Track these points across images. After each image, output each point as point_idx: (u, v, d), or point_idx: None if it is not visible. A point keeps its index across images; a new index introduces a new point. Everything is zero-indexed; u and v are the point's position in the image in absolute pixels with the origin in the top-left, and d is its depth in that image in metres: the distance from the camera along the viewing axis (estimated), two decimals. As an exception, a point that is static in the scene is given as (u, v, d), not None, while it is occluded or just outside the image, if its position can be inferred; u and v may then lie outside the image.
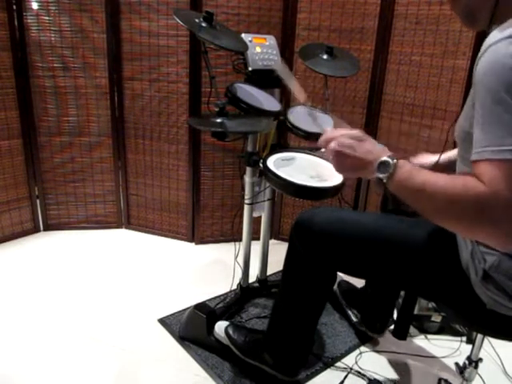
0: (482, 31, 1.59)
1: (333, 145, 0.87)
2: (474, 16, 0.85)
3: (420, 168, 0.79)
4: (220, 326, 1.49)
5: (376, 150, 0.84)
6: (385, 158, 0.81)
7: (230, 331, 1.44)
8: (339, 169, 0.89)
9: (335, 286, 1.80)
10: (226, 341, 1.44)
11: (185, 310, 1.71)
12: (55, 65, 2.13)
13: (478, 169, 0.70)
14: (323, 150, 0.91)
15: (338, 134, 0.88)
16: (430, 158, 1.18)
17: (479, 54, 0.73)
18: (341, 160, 0.87)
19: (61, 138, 2.25)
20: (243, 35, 1.62)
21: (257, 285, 1.86)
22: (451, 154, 1.15)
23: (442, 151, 1.11)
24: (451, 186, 0.72)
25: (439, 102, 1.88)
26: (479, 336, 1.15)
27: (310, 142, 1.56)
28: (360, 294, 1.69)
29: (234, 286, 1.81)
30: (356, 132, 0.88)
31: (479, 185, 0.69)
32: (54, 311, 1.71)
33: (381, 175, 0.81)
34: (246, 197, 1.63)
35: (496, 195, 0.67)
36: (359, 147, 0.85)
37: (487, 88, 0.70)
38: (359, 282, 1.74)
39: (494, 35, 0.71)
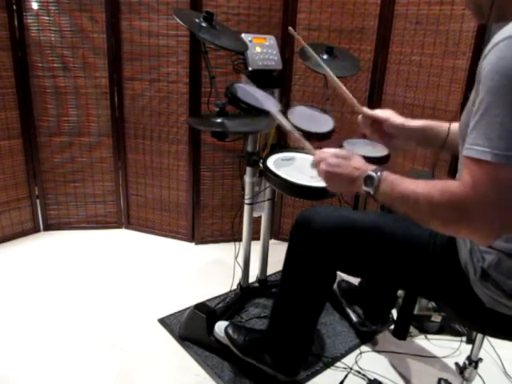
0: (481, 31, 1.59)
1: (322, 166, 0.93)
2: (481, 11, 0.85)
3: (402, 178, 0.83)
4: (220, 326, 1.49)
5: (362, 166, 0.90)
6: (369, 173, 0.86)
7: (230, 331, 1.44)
8: (330, 186, 0.96)
9: (335, 286, 1.80)
10: (225, 341, 1.44)
11: (185, 310, 1.71)
12: (55, 65, 2.13)
13: (464, 164, 0.73)
14: (315, 172, 0.97)
15: (325, 155, 0.94)
16: (394, 118, 1.17)
17: (486, 51, 0.72)
18: (331, 178, 0.93)
19: (61, 138, 2.25)
20: (243, 35, 1.62)
21: (257, 285, 1.86)
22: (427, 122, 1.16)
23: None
24: (430, 192, 0.76)
25: (439, 101, 1.88)
26: (479, 336, 1.15)
27: (310, 142, 1.56)
28: (360, 289, 1.69)
29: (234, 286, 1.81)
30: (342, 151, 0.94)
31: (455, 188, 0.72)
32: (54, 311, 1.71)
33: (367, 189, 0.86)
34: (246, 197, 1.63)
35: (470, 195, 0.70)
36: (346, 165, 0.91)
37: (489, 86, 0.70)
38: (359, 281, 1.74)
39: (502, 33, 0.71)
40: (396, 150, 1.98)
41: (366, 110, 1.21)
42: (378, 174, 0.84)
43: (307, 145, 1.06)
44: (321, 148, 0.98)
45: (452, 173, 1.79)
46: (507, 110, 0.67)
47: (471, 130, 0.72)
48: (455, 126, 1.05)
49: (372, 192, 0.85)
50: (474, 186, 0.70)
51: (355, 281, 1.81)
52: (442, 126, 1.12)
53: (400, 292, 1.61)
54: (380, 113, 1.19)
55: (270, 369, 1.33)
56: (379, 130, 1.20)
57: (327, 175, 0.93)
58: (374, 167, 0.87)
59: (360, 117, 1.22)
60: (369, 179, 0.85)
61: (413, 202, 0.78)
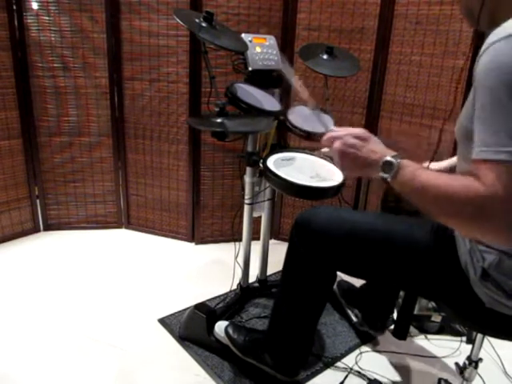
0: (481, 31, 1.59)
1: (337, 144, 0.87)
2: (473, 16, 0.85)
3: (423, 168, 0.79)
4: (220, 326, 1.49)
5: (380, 150, 0.85)
6: (388, 158, 0.81)
7: (230, 331, 1.44)
8: (343, 167, 0.90)
9: (335, 286, 1.80)
10: (225, 341, 1.44)
11: (185, 310, 1.71)
12: (55, 65, 2.13)
13: (476, 168, 0.71)
14: (326, 149, 0.91)
15: (342, 133, 0.89)
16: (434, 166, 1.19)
17: (480, 53, 0.72)
18: (345, 159, 0.87)
19: (61, 138, 2.25)
20: (243, 35, 1.62)
21: (257, 285, 1.86)
22: (451, 160, 1.17)
23: (437, 148, 1.11)
24: (452, 186, 0.72)
25: (439, 101, 1.88)
26: (479, 336, 1.15)
27: (310, 141, 1.56)
28: (360, 293, 1.70)
29: (234, 286, 1.80)
30: (360, 131, 0.89)
31: (478, 185, 0.69)
32: (54, 311, 1.71)
33: (384, 175, 0.81)
34: (246, 197, 1.63)
35: (492, 196, 0.67)
36: (363, 146, 0.86)
37: (487, 88, 0.70)
38: (359, 282, 1.74)
39: (495, 34, 0.71)
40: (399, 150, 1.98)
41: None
42: (398, 160, 0.80)
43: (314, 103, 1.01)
44: (320, 148, 0.97)
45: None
46: (509, 106, 0.67)
47: (479, 131, 0.71)
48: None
49: (389, 179, 0.80)
50: (493, 185, 0.67)
51: (355, 281, 1.81)
52: None
53: (400, 292, 1.61)
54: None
55: (270, 369, 1.33)
56: None
57: (341, 155, 0.87)
58: (393, 153, 0.83)
59: None
60: (387, 165, 0.81)
61: (432, 195, 0.75)
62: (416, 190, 0.78)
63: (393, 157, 0.81)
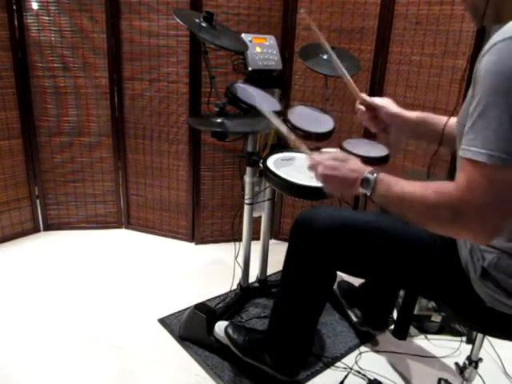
0: (481, 31, 1.59)
1: (319, 169, 0.94)
2: (478, 13, 0.85)
3: (398, 179, 0.84)
4: (220, 326, 1.49)
5: (358, 168, 0.90)
6: (366, 175, 0.87)
7: (230, 331, 1.44)
8: (328, 189, 0.96)
9: (335, 286, 1.80)
10: (225, 341, 1.44)
11: (185, 310, 1.71)
12: (55, 65, 2.13)
13: (460, 164, 0.74)
14: (328, 149, 0.97)
15: (322, 157, 0.95)
16: (391, 106, 1.19)
17: (482, 52, 0.72)
18: (328, 181, 0.94)
19: (61, 138, 2.25)
20: (243, 35, 1.62)
21: (257, 285, 1.86)
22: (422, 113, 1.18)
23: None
24: (426, 193, 0.76)
25: (439, 102, 1.88)
26: (479, 336, 1.15)
27: (310, 141, 1.56)
28: (360, 292, 1.70)
29: (234, 286, 1.80)
30: (339, 153, 0.96)
31: (451, 188, 0.73)
32: (54, 311, 1.71)
33: (364, 190, 0.87)
34: (246, 197, 1.63)
35: (465, 197, 0.71)
36: (343, 167, 0.91)
37: (486, 88, 0.70)
38: (359, 282, 1.74)
39: (499, 34, 0.70)
40: (397, 149, 1.99)
41: (364, 96, 1.22)
42: (374, 175, 0.86)
43: (303, 147, 1.06)
44: (320, 148, 0.98)
45: (451, 172, 1.79)
46: (505, 111, 0.67)
47: (468, 131, 0.72)
48: (454, 120, 1.05)
49: (369, 193, 0.86)
50: (469, 187, 0.70)
51: (355, 281, 1.81)
52: (440, 119, 1.13)
53: (400, 292, 1.61)
54: (378, 100, 1.21)
55: (270, 369, 1.33)
56: (375, 118, 1.21)
57: (324, 178, 0.94)
58: (370, 169, 0.88)
59: (357, 103, 1.22)
60: (365, 181, 0.87)
61: (408, 203, 0.80)
62: (393, 200, 0.84)
63: (369, 173, 0.87)
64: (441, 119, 1.12)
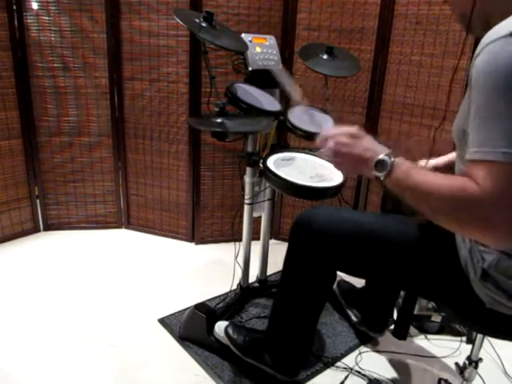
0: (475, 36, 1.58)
1: (330, 143, 0.88)
2: (466, 21, 0.85)
3: (418, 167, 0.80)
4: (220, 326, 1.48)
5: (374, 148, 0.85)
6: (382, 157, 0.81)
7: (230, 331, 1.44)
8: (338, 166, 0.91)
9: (335, 286, 1.80)
10: (225, 341, 1.44)
11: (185, 310, 1.71)
12: (55, 65, 2.13)
13: (471, 169, 0.71)
14: (322, 149, 0.92)
15: (335, 132, 0.89)
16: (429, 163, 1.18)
17: (475, 55, 0.72)
18: (339, 158, 0.88)
19: (61, 138, 2.25)
20: (243, 35, 1.62)
21: (257, 285, 1.86)
22: (450, 156, 1.17)
23: (431, 150, 1.11)
24: (447, 186, 0.72)
25: (439, 101, 1.88)
26: (479, 336, 1.15)
27: (310, 142, 1.56)
28: (360, 294, 1.69)
29: (234, 286, 1.80)
30: (353, 129, 0.88)
31: (473, 185, 0.69)
32: (54, 311, 1.71)
33: (378, 173, 0.81)
34: (246, 197, 1.63)
35: (487, 196, 0.67)
36: (356, 145, 0.86)
37: (482, 89, 0.70)
38: (359, 282, 1.74)
39: (490, 35, 0.70)
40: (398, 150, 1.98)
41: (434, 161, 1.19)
42: (392, 159, 0.80)
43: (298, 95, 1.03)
44: (320, 149, 0.97)
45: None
46: (504, 109, 0.67)
47: (474, 133, 0.71)
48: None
49: (382, 177, 0.80)
50: (490, 187, 0.67)
51: (355, 281, 1.81)
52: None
53: (400, 293, 1.61)
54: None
55: (270, 369, 1.33)
56: None
57: (335, 154, 0.88)
58: (386, 151, 0.82)
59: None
60: (380, 163, 0.81)
61: (425, 194, 0.75)
62: (409, 188, 0.78)
63: (386, 155, 0.81)
64: None
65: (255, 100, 1.53)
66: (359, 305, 1.68)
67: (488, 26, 0.74)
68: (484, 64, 0.69)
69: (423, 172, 0.78)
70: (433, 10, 1.83)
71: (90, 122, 2.24)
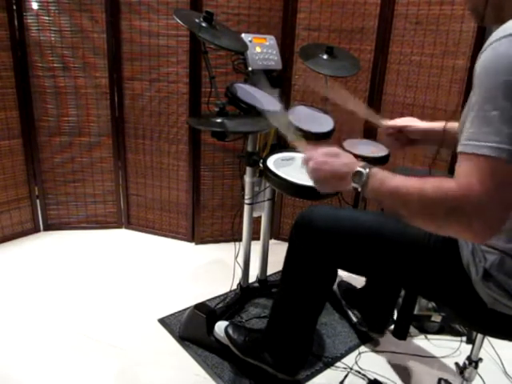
0: (481, 31, 1.59)
1: (310, 164, 0.93)
2: (478, 11, 0.86)
3: (392, 175, 0.82)
4: (220, 326, 1.49)
5: (350, 163, 0.89)
6: (358, 169, 0.85)
7: (230, 331, 1.44)
8: (318, 184, 0.95)
9: (335, 286, 1.80)
10: (225, 341, 1.44)
11: (185, 309, 1.71)
12: (55, 65, 2.13)
13: (459, 160, 0.73)
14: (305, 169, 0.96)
15: (313, 153, 0.94)
16: (417, 123, 1.24)
17: (481, 50, 0.73)
18: (318, 176, 0.92)
19: (61, 138, 2.25)
20: (243, 35, 1.62)
21: (257, 285, 1.86)
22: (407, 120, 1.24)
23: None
24: (422, 187, 0.75)
25: (439, 102, 1.88)
26: (479, 336, 1.15)
27: (310, 142, 1.56)
28: (360, 294, 1.69)
29: (234, 286, 1.81)
30: (331, 149, 0.94)
31: (451, 184, 0.71)
32: (54, 311, 1.71)
33: (355, 185, 0.85)
34: (246, 197, 1.63)
35: (466, 193, 0.69)
36: (334, 162, 0.90)
37: (482, 84, 0.71)
38: (359, 283, 1.74)
39: (497, 33, 0.71)
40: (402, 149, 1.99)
41: (385, 122, 1.24)
42: (367, 170, 0.84)
43: (302, 146, 1.06)
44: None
45: (451, 172, 1.79)
46: (502, 105, 0.67)
47: (468, 126, 0.72)
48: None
49: (359, 188, 0.84)
50: (470, 181, 0.69)
51: (356, 281, 1.81)
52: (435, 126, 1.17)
53: (400, 292, 1.61)
54: (399, 121, 1.23)
55: (271, 368, 1.32)
56: (400, 138, 1.25)
57: (314, 173, 0.93)
58: (362, 163, 0.87)
59: (380, 130, 1.25)
60: (357, 175, 0.85)
61: (403, 199, 0.78)
62: (385, 196, 0.82)
63: (361, 167, 0.85)
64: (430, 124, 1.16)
65: (255, 100, 1.53)
66: (359, 305, 1.68)
67: (500, 17, 0.76)
68: (486, 61, 0.71)
69: (398, 178, 0.80)
70: (433, 10, 1.83)
71: (89, 122, 2.24)
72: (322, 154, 0.93)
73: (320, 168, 0.91)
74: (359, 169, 0.85)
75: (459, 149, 0.73)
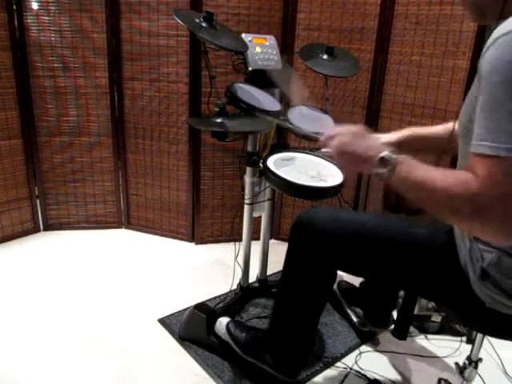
0: (481, 31, 1.59)
1: (334, 143, 0.90)
2: (482, 11, 0.85)
3: (420, 163, 0.80)
4: (221, 322, 1.48)
5: (376, 146, 0.86)
6: (384, 154, 0.82)
7: (232, 328, 1.43)
8: (341, 165, 0.94)
9: (335, 286, 1.80)
10: (226, 337, 1.44)
11: (185, 309, 1.71)
12: (55, 65, 2.13)
13: (472, 162, 0.71)
14: (326, 149, 0.93)
15: (338, 131, 0.91)
16: (416, 131, 1.19)
17: (486, 46, 0.71)
18: (342, 156, 0.90)
19: (61, 138, 2.25)
20: (243, 35, 1.62)
21: (257, 285, 1.85)
22: (405, 132, 1.18)
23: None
24: (450, 181, 0.73)
25: (439, 101, 1.88)
26: (479, 336, 1.15)
27: (310, 141, 1.56)
28: (360, 290, 1.69)
29: (234, 286, 1.80)
30: (356, 128, 0.91)
31: (474, 181, 0.70)
32: (54, 311, 1.71)
33: (380, 171, 0.82)
34: (246, 197, 1.63)
35: (486, 192, 0.68)
36: (359, 143, 0.87)
37: (491, 82, 0.69)
38: (359, 282, 1.74)
39: (503, 27, 0.70)
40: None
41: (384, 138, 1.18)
42: (394, 157, 0.81)
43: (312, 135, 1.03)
44: (320, 149, 0.97)
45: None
46: (510, 104, 0.66)
47: (478, 126, 0.71)
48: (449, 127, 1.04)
49: (386, 175, 0.81)
50: (490, 180, 0.68)
51: (356, 281, 1.81)
52: (427, 129, 1.15)
53: (400, 292, 1.61)
54: (394, 137, 1.19)
55: (271, 369, 1.32)
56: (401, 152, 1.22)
57: (339, 152, 0.90)
58: (389, 148, 0.84)
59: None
60: (383, 161, 0.82)
61: (428, 190, 0.75)
62: (411, 185, 0.79)
63: (389, 153, 0.82)
64: (429, 129, 1.12)
65: (255, 100, 1.53)
66: (360, 300, 1.68)
67: (501, 15, 0.75)
68: (494, 57, 0.69)
69: (426, 168, 0.78)
70: (433, 10, 1.83)
71: (89, 122, 2.24)
72: (347, 132, 0.90)
73: (343, 148, 0.89)
74: (386, 154, 0.82)
75: (473, 149, 0.71)
